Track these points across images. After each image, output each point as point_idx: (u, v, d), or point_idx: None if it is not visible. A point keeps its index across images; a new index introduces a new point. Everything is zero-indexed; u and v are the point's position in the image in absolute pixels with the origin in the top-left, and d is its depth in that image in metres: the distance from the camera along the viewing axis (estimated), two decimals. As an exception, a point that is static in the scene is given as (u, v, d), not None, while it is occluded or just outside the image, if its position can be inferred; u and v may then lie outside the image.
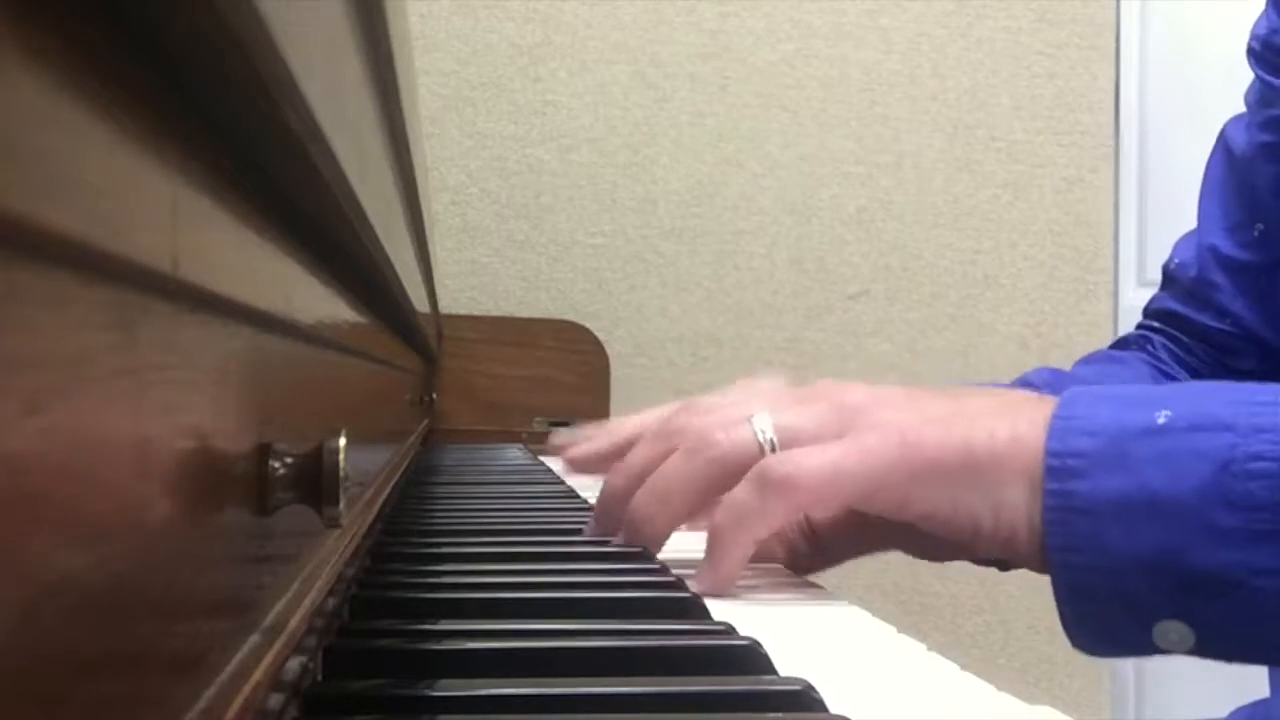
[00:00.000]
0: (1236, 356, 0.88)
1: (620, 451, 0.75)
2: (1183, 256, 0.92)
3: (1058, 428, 0.49)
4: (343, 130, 0.29)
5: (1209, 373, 0.89)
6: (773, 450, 0.53)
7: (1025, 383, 0.87)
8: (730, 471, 0.53)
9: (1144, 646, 0.48)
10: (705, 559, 0.52)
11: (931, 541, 0.54)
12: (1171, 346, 0.91)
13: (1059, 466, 0.48)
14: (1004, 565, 0.66)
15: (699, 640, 0.40)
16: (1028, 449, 0.49)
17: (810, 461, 0.51)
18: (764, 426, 0.54)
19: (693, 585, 0.50)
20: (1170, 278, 0.93)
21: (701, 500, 0.55)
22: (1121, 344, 0.97)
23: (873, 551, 0.61)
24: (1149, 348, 0.93)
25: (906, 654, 0.44)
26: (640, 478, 0.57)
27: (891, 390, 0.55)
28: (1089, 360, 0.95)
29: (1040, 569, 0.50)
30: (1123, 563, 0.47)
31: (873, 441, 0.51)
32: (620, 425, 0.76)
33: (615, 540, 0.58)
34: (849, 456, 0.50)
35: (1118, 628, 0.48)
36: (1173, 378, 0.89)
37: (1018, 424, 0.50)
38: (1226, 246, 0.88)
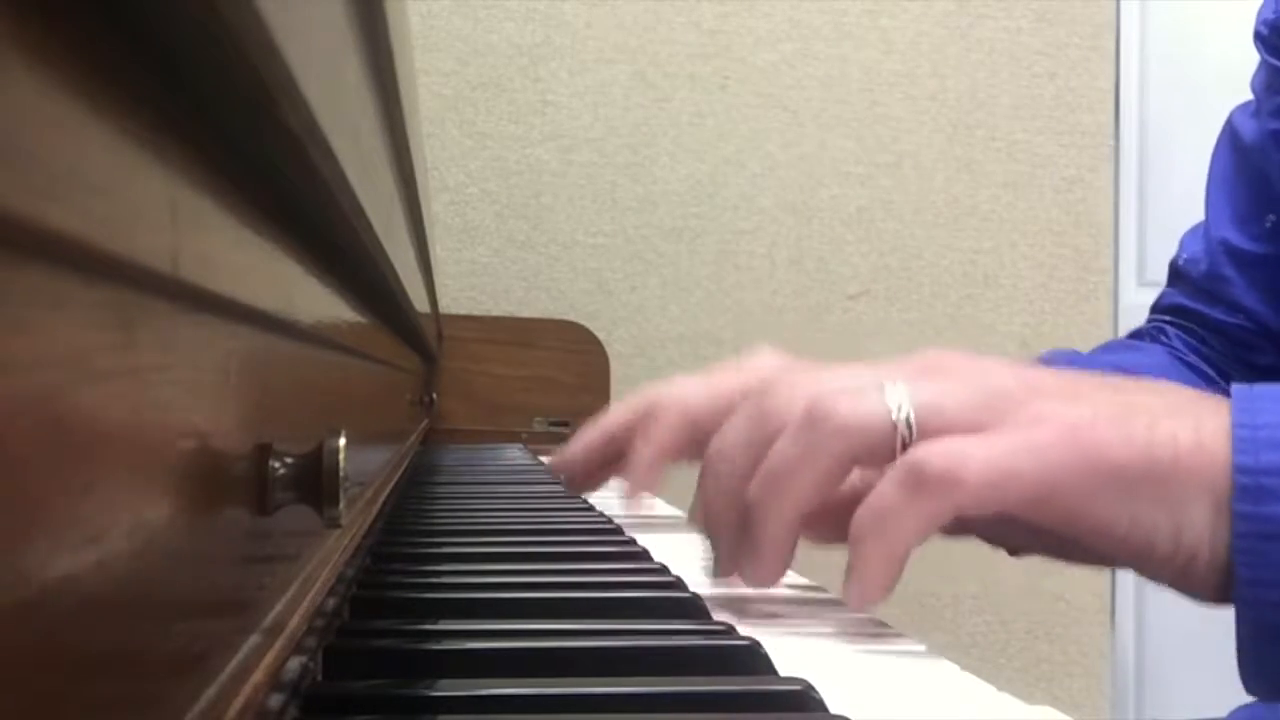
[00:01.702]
0: (1253, 351, 0.85)
1: (609, 443, 0.65)
2: (1191, 251, 0.89)
3: (1243, 438, 0.42)
4: (343, 130, 0.29)
5: (1226, 365, 0.86)
6: (908, 429, 0.43)
7: (1047, 362, 0.84)
8: (859, 450, 0.44)
9: None
10: (849, 569, 0.44)
11: (1076, 547, 0.46)
12: (1187, 338, 0.88)
13: (1252, 486, 0.41)
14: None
15: (699, 640, 0.40)
16: (1214, 460, 0.42)
17: (977, 456, 0.42)
18: (900, 400, 0.44)
19: (843, 598, 0.44)
20: (1179, 273, 0.90)
21: (828, 485, 0.45)
22: (1135, 336, 0.93)
23: (985, 540, 0.53)
24: (1163, 338, 0.89)
25: (906, 654, 0.44)
26: (745, 463, 0.46)
27: (1042, 373, 0.46)
28: (1108, 348, 0.92)
29: (1215, 600, 0.44)
30: None
31: (1045, 438, 0.42)
32: (601, 420, 0.67)
33: (739, 557, 0.47)
34: (1019, 454, 0.42)
35: None
36: (1193, 366, 0.87)
37: (1201, 428, 0.43)
38: (1237, 239, 0.85)
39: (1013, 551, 0.53)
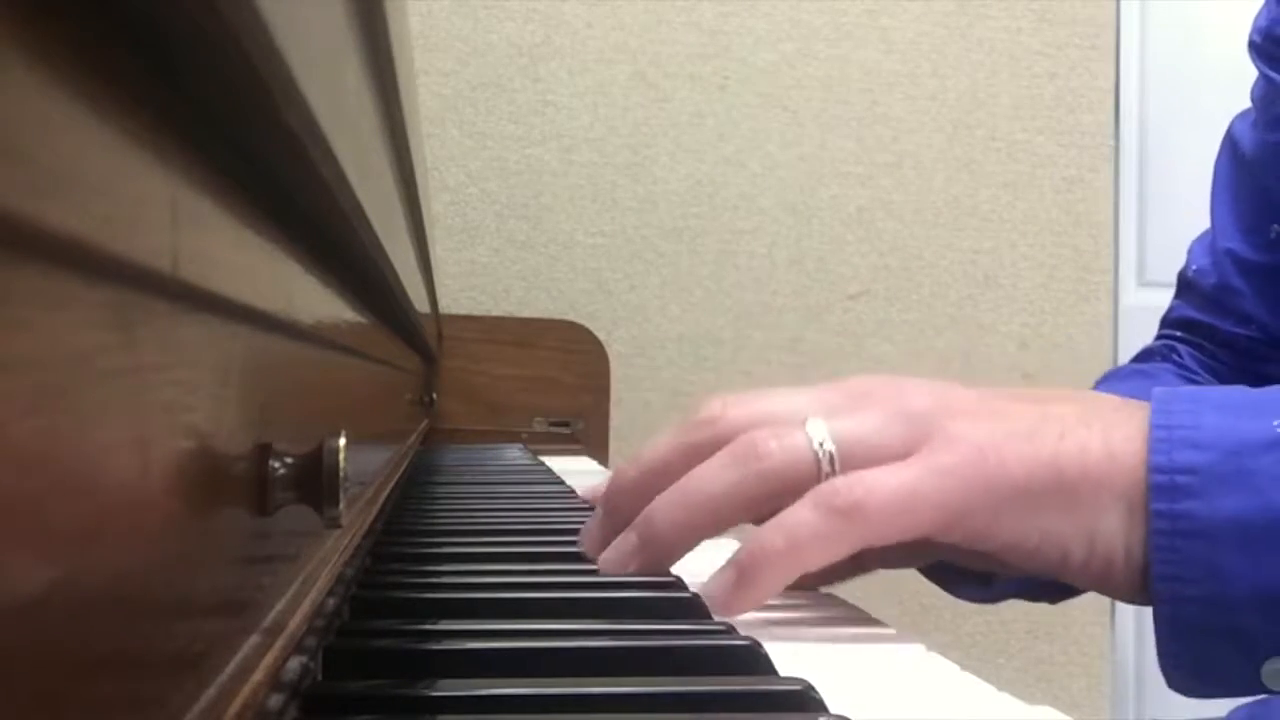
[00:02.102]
0: (1263, 363, 0.84)
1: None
2: (1200, 263, 0.88)
3: (1159, 439, 0.43)
4: (343, 130, 0.29)
5: (1238, 380, 0.85)
6: (830, 464, 0.46)
7: None
8: (781, 488, 0.46)
9: (1250, 686, 0.43)
10: (732, 575, 0.45)
11: (999, 562, 0.48)
12: (1199, 355, 0.87)
13: (1166, 484, 0.43)
14: (1052, 598, 0.61)
15: (699, 640, 0.40)
16: (1125, 466, 0.43)
17: (883, 487, 0.44)
18: (820, 435, 0.46)
19: (701, 590, 0.46)
20: (1189, 284, 0.89)
21: (740, 516, 0.48)
22: (1145, 355, 0.92)
23: (913, 565, 0.55)
24: (1175, 357, 0.88)
25: (906, 654, 0.44)
26: (661, 474, 0.49)
27: (959, 393, 0.48)
28: (1115, 376, 0.91)
29: (1137, 601, 0.45)
30: (1240, 594, 0.42)
31: (950, 462, 0.44)
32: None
33: (619, 548, 0.49)
34: (924, 480, 0.44)
35: (1224, 666, 0.43)
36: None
37: (1111, 436, 0.44)
38: (1243, 250, 0.84)
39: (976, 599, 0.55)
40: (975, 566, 0.54)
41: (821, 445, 0.46)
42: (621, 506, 0.51)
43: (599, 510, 0.53)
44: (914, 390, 0.47)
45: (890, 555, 0.51)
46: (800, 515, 0.44)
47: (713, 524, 0.48)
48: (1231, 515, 0.42)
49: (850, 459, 0.46)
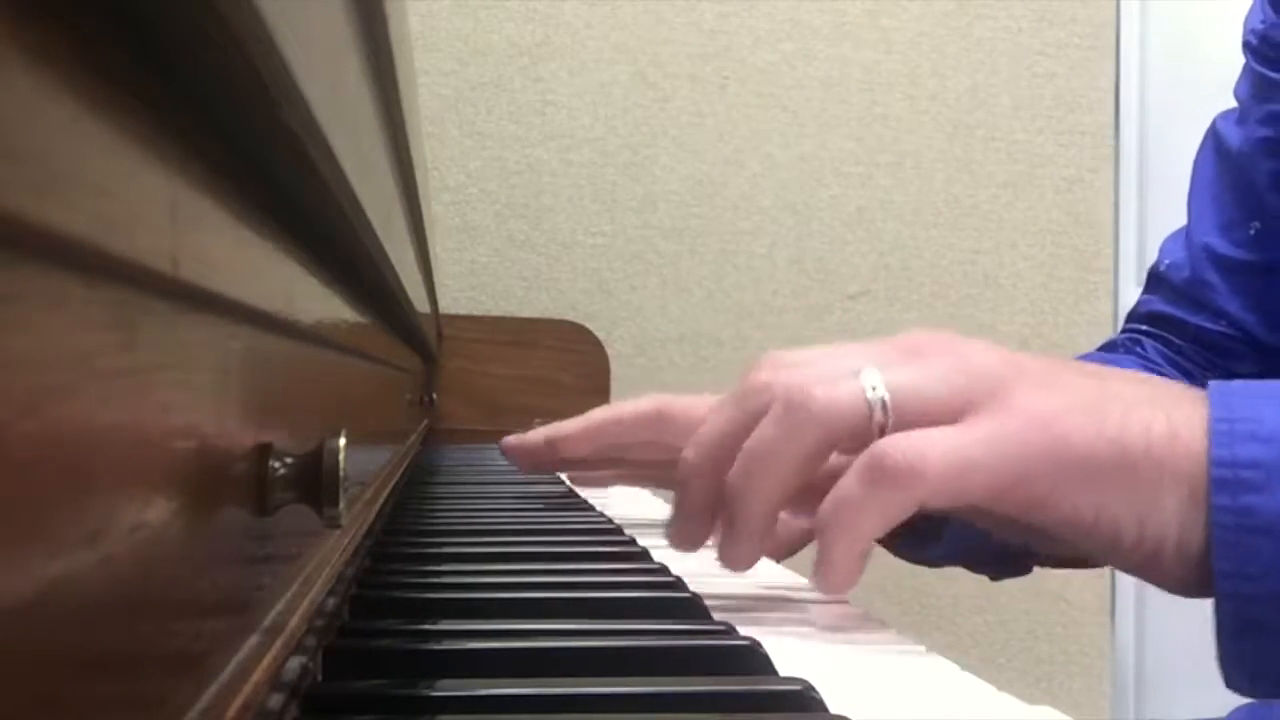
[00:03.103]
0: (1233, 359, 0.85)
1: (552, 444, 0.72)
2: (1173, 257, 0.88)
3: (1220, 431, 0.42)
4: (343, 130, 0.29)
5: (1203, 375, 0.85)
6: (884, 412, 0.44)
7: None
8: (836, 435, 0.44)
9: None
10: (816, 560, 0.45)
11: (1042, 537, 0.47)
12: (1163, 350, 0.88)
13: (1229, 478, 0.41)
14: (993, 573, 0.61)
15: (699, 640, 0.40)
16: (1189, 451, 0.42)
17: (937, 449, 0.42)
18: (874, 382, 0.44)
19: (813, 586, 0.45)
20: (1160, 279, 0.90)
21: (805, 470, 0.45)
22: (1109, 347, 0.93)
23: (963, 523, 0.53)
24: (1139, 350, 0.89)
25: (906, 654, 0.44)
26: (720, 450, 0.47)
27: (1022, 358, 0.46)
28: (1081, 360, 0.93)
29: (1181, 592, 0.44)
30: None
31: (1012, 427, 0.43)
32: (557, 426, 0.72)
33: (728, 556, 0.48)
34: (983, 445, 0.42)
35: None
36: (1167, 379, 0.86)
37: (1174, 418, 0.43)
38: (1221, 245, 0.85)
39: (994, 576, 0.53)
40: (1010, 539, 0.52)
41: (874, 390, 0.44)
42: (694, 494, 0.49)
43: (675, 504, 0.51)
44: (977, 349, 0.46)
45: (927, 520, 0.50)
46: (850, 483, 0.43)
47: (781, 482, 0.46)
48: None
49: (904, 409, 0.44)
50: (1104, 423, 0.43)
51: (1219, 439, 0.42)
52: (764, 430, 0.45)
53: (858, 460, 0.43)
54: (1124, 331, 0.92)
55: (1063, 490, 0.43)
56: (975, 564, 0.62)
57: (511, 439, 0.76)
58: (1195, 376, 0.86)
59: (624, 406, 0.71)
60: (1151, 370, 0.86)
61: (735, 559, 0.47)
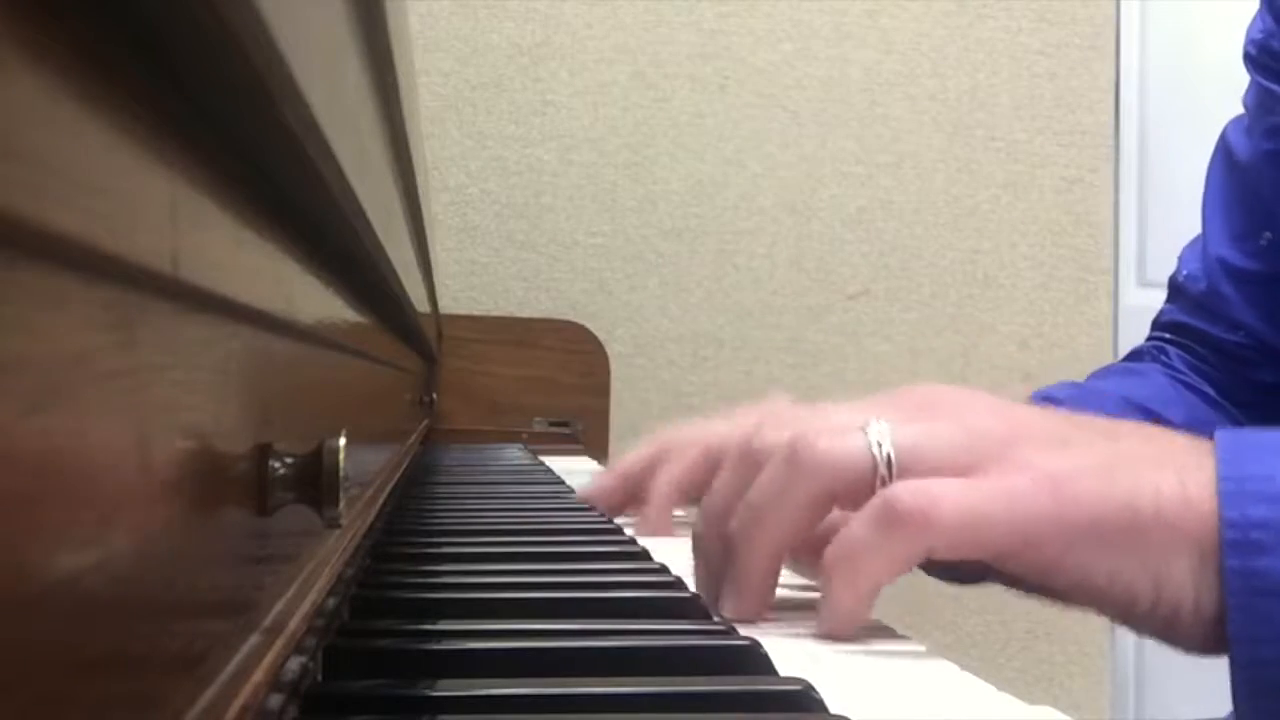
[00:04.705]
0: (1254, 368, 0.85)
1: (626, 484, 0.74)
2: (1190, 268, 0.88)
3: (1230, 491, 0.41)
4: (343, 130, 0.29)
5: (1227, 384, 0.86)
6: (888, 468, 0.43)
7: (1047, 397, 0.85)
8: (838, 486, 0.44)
9: None
10: (820, 601, 0.45)
11: (1056, 599, 0.46)
12: (1187, 357, 0.88)
13: (1240, 540, 0.41)
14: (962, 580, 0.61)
15: (699, 640, 0.40)
16: (1199, 513, 0.41)
17: (949, 498, 0.42)
18: (880, 438, 0.44)
19: (819, 629, 0.45)
20: (1179, 289, 0.90)
21: (805, 521, 0.45)
22: (1135, 355, 0.93)
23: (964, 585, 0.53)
24: (1164, 358, 0.89)
25: (906, 654, 0.44)
26: (729, 504, 0.47)
27: (1026, 415, 0.46)
28: (1105, 374, 0.92)
29: (1203, 653, 0.43)
30: None
31: (1022, 486, 0.42)
32: (625, 462, 0.75)
33: (732, 608, 0.47)
34: (995, 500, 0.42)
35: None
36: (1192, 387, 0.86)
37: (1186, 480, 0.42)
38: (1234, 257, 0.85)
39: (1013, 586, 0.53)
40: (1029, 594, 0.52)
41: (880, 446, 0.44)
42: (710, 559, 0.49)
43: (695, 575, 0.51)
44: (984, 407, 0.45)
45: (936, 572, 0.50)
46: (858, 526, 0.43)
47: (782, 532, 0.46)
48: None
49: (909, 466, 0.43)
50: (1114, 485, 0.42)
51: (1228, 500, 0.41)
52: (765, 479, 0.45)
53: (869, 504, 0.43)
54: (1149, 339, 0.92)
55: (1073, 554, 0.42)
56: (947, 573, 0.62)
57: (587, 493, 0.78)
58: (1219, 383, 0.86)
59: (630, 458, 0.74)
60: (1178, 380, 0.86)
61: (737, 610, 0.47)
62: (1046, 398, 0.82)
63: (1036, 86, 1.86)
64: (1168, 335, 0.90)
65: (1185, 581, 0.42)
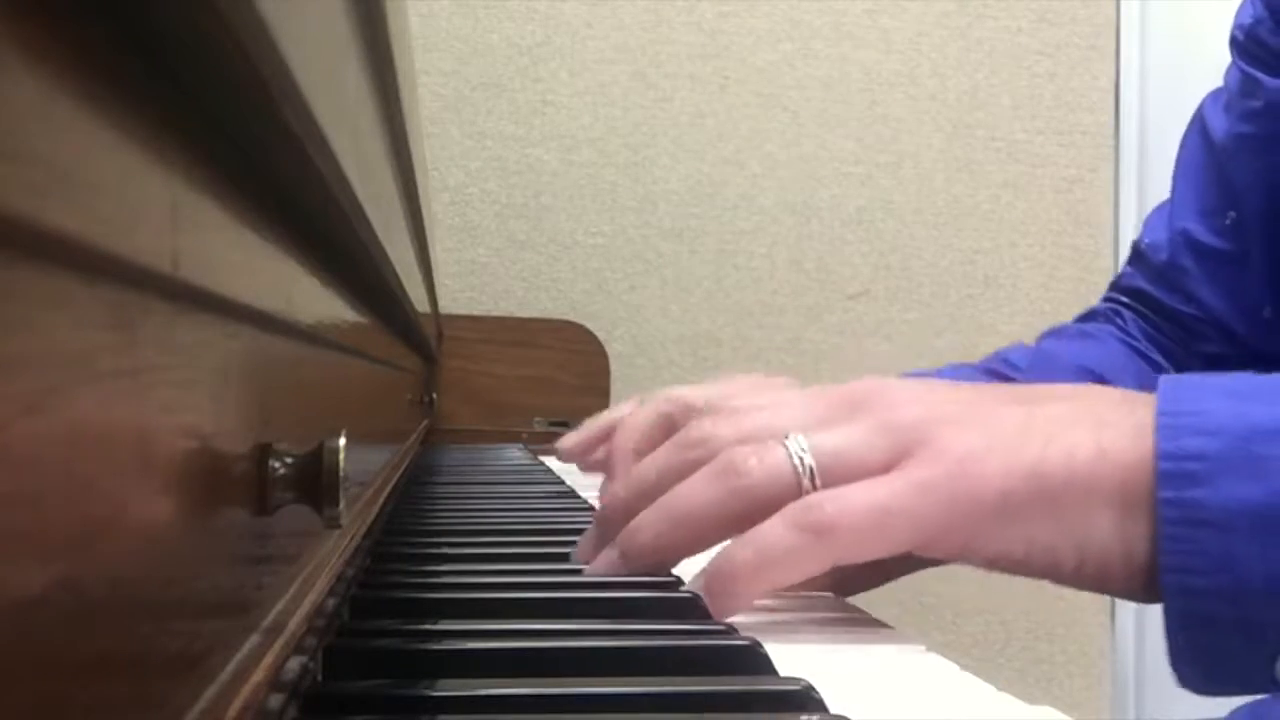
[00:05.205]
0: (1203, 341, 0.87)
1: (608, 435, 0.75)
2: (1154, 236, 0.90)
3: (1166, 425, 0.42)
4: (343, 130, 0.29)
5: (1178, 353, 0.88)
6: (811, 479, 0.45)
7: (1004, 359, 0.86)
8: (760, 504, 0.45)
9: (1264, 681, 0.42)
10: (706, 586, 0.45)
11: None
12: (1142, 324, 0.90)
13: (1174, 471, 0.41)
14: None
15: (699, 640, 0.40)
16: (1118, 464, 0.42)
17: (856, 504, 0.43)
18: (801, 450, 0.46)
19: (699, 591, 0.45)
20: (1140, 255, 0.92)
21: (724, 533, 0.47)
22: (1090, 316, 0.94)
23: (900, 576, 0.55)
24: (1119, 321, 0.91)
25: (906, 654, 0.44)
26: (650, 493, 0.49)
27: (947, 395, 0.47)
28: (1058, 334, 0.93)
29: (1141, 598, 0.43)
30: (1252, 585, 0.40)
31: (928, 477, 0.43)
32: (610, 414, 0.77)
33: (604, 559, 0.50)
34: (899, 496, 0.43)
35: (1236, 661, 0.41)
36: (1144, 354, 0.88)
37: (1102, 435, 0.43)
38: (1198, 231, 0.87)
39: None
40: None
41: (802, 460, 0.45)
42: (613, 524, 0.51)
43: (593, 525, 0.54)
44: (903, 398, 0.46)
45: (904, 563, 0.50)
46: (770, 532, 0.44)
47: (693, 540, 0.48)
48: (1243, 503, 0.40)
49: (831, 473, 0.45)
50: (1021, 456, 0.43)
51: (1164, 432, 0.42)
52: (692, 488, 0.47)
53: (781, 512, 0.44)
54: (1105, 300, 0.94)
55: (985, 531, 0.43)
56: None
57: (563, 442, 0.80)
58: (1171, 352, 0.88)
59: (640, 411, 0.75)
60: (1130, 346, 0.89)
61: (614, 572, 0.49)
62: (1004, 360, 0.83)
63: (1036, 86, 1.86)
64: (1125, 299, 0.92)
65: (1109, 534, 0.42)
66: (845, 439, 0.46)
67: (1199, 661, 0.42)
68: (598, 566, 0.50)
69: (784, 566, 0.44)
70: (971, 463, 0.43)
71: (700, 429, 0.50)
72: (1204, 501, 0.40)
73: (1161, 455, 0.41)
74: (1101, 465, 0.42)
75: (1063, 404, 0.45)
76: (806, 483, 0.45)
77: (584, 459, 0.81)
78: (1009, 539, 0.43)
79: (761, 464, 0.46)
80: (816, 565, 0.44)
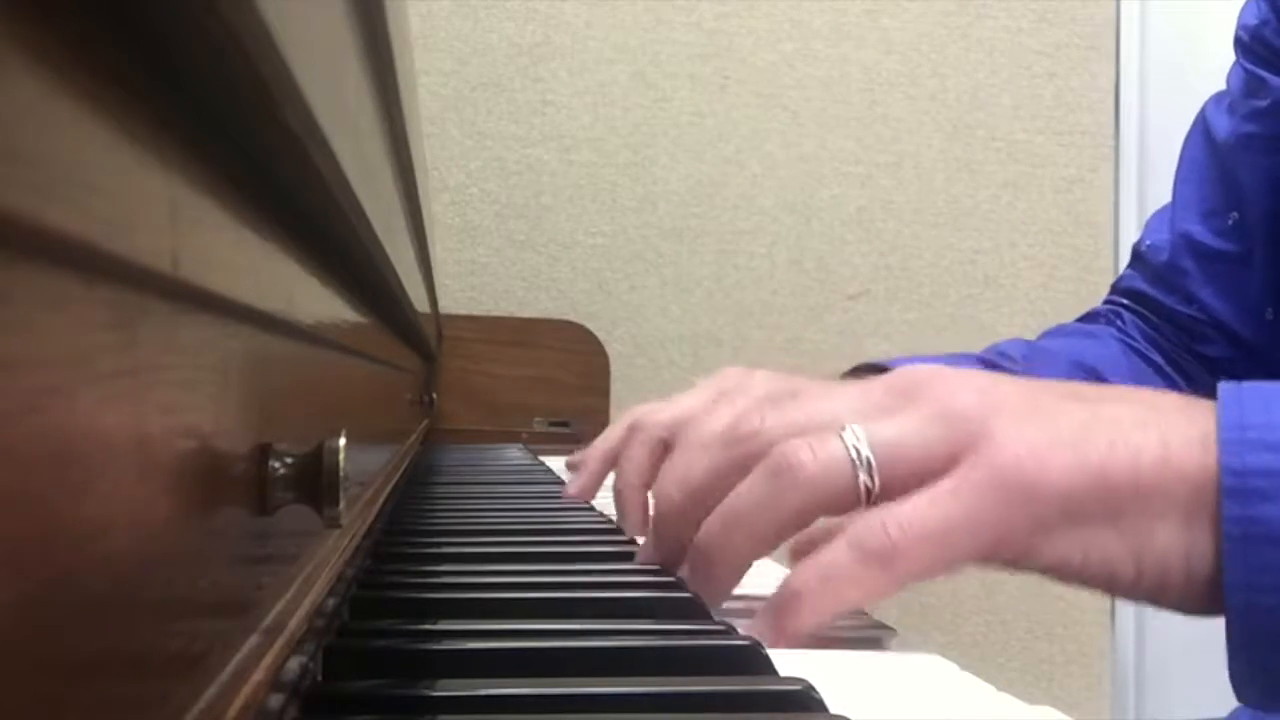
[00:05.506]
0: (1204, 342, 0.87)
1: (604, 473, 0.74)
2: (1155, 238, 0.90)
3: (1230, 440, 0.41)
4: (343, 130, 0.29)
5: (1176, 354, 0.88)
6: (869, 472, 0.44)
7: (1001, 353, 0.86)
8: (821, 499, 0.44)
9: None
10: (773, 609, 0.44)
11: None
12: (1141, 325, 0.90)
13: (1239, 487, 0.40)
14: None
15: (699, 640, 0.40)
16: (1183, 472, 0.41)
17: (917, 525, 0.42)
18: (858, 442, 0.44)
19: (746, 629, 0.43)
20: (1140, 257, 0.92)
21: (787, 531, 0.46)
22: (1090, 317, 0.94)
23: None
24: (1118, 323, 0.91)
25: (906, 654, 0.44)
26: (705, 496, 0.48)
27: (1007, 388, 0.45)
28: (1058, 332, 0.93)
29: (1199, 612, 0.42)
30: None
31: (987, 479, 0.42)
32: (603, 444, 0.74)
33: (678, 574, 0.49)
34: (960, 509, 0.42)
35: None
36: (1143, 355, 0.88)
37: (1169, 440, 0.41)
38: (1200, 233, 0.86)
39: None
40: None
41: (859, 452, 0.44)
42: (671, 532, 0.50)
43: (651, 536, 0.52)
44: (960, 387, 0.45)
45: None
46: (836, 558, 0.43)
47: (759, 542, 0.46)
48: None
49: (889, 466, 0.44)
50: (1086, 455, 0.42)
51: (1229, 447, 0.41)
52: (749, 490, 0.46)
53: (843, 536, 0.43)
54: (1106, 302, 0.95)
55: (1045, 536, 0.42)
56: None
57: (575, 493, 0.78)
58: (1169, 354, 0.88)
59: (605, 438, 0.73)
60: (1129, 346, 0.88)
61: (708, 599, 0.48)
62: (1001, 353, 0.83)
63: (1036, 86, 1.86)
64: (1125, 301, 0.92)
65: (1171, 545, 0.41)
66: (901, 429, 0.44)
67: (1258, 678, 0.41)
68: (691, 580, 0.48)
69: (851, 592, 0.43)
70: (1032, 460, 0.42)
71: (749, 423, 0.48)
72: (1270, 518, 0.40)
73: (1226, 471, 0.40)
74: (1166, 473, 0.41)
75: (1124, 405, 0.44)
76: (864, 476, 0.44)
77: (594, 495, 0.78)
78: (1067, 545, 0.42)
79: (816, 458, 0.44)
80: (881, 591, 0.43)
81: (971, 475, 0.42)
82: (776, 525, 0.45)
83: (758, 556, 0.47)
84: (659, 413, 0.65)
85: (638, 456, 0.65)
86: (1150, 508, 0.41)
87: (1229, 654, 0.41)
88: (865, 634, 0.47)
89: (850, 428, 0.44)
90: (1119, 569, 0.42)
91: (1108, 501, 0.41)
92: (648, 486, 0.64)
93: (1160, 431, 0.42)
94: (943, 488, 0.42)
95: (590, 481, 0.76)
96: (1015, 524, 0.42)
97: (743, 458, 0.47)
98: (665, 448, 0.62)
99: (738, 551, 0.47)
